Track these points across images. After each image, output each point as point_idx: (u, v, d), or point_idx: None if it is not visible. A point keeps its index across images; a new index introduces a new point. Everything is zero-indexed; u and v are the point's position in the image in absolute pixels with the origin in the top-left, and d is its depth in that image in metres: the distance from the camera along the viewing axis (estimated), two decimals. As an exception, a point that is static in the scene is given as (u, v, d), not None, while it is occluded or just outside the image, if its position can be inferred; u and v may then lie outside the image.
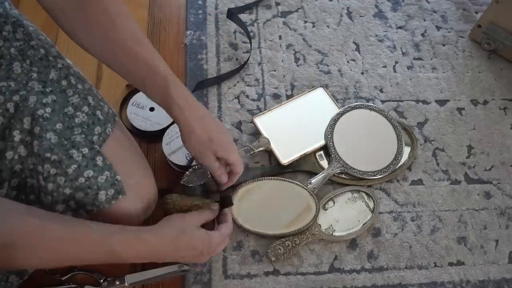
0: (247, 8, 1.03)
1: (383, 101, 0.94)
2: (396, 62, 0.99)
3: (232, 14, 0.98)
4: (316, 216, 0.77)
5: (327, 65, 0.97)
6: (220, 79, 0.93)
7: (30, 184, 0.62)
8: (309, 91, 0.92)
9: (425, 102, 0.95)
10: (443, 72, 0.99)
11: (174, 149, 0.81)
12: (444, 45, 1.03)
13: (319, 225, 0.78)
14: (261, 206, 0.78)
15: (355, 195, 0.82)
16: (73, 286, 0.71)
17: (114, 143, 0.67)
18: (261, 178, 0.80)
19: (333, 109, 0.90)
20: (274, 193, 0.79)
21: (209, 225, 0.68)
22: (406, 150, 0.87)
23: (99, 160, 0.62)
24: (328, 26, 1.03)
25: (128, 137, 0.73)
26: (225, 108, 0.90)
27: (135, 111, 0.86)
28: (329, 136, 0.86)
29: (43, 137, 0.60)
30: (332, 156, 0.84)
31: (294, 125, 0.87)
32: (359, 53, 1.00)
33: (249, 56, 0.95)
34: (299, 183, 0.80)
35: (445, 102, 0.95)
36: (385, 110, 0.90)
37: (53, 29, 0.93)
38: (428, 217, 0.83)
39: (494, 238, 0.82)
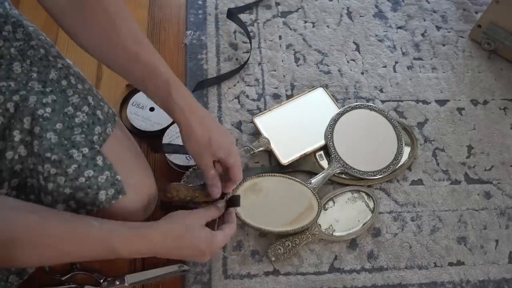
0: (247, 8, 1.03)
1: (383, 101, 0.94)
2: (396, 62, 1.00)
3: (232, 14, 0.98)
4: (318, 215, 0.77)
5: (327, 65, 0.97)
6: (220, 79, 0.93)
7: (30, 184, 0.62)
8: (309, 91, 0.92)
9: (425, 102, 0.95)
10: (443, 72, 0.99)
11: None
12: (444, 45, 1.03)
13: (319, 225, 0.78)
14: (263, 202, 0.78)
15: (355, 195, 0.82)
16: (73, 286, 0.71)
17: (114, 143, 0.67)
18: (265, 174, 0.80)
19: (333, 109, 0.90)
20: (277, 190, 0.79)
21: (211, 222, 0.68)
22: (406, 150, 0.87)
23: (99, 160, 0.62)
24: (328, 26, 1.03)
25: (128, 137, 0.73)
26: (225, 108, 0.90)
27: (135, 111, 0.86)
28: (329, 136, 0.86)
29: (43, 137, 0.60)
30: (332, 156, 0.84)
31: (294, 125, 0.87)
32: (359, 53, 1.00)
33: (249, 56, 0.95)
34: (302, 181, 0.80)
35: (445, 102, 0.95)
36: (385, 110, 0.90)
37: (53, 29, 0.93)
38: (428, 217, 0.83)
39: (494, 238, 0.82)
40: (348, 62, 0.98)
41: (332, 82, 0.95)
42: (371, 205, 0.82)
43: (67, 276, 0.71)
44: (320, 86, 0.92)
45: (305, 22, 1.03)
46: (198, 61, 0.95)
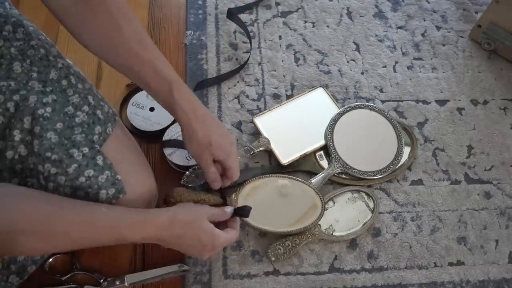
0: (247, 8, 1.03)
1: (383, 101, 0.94)
2: (396, 62, 1.00)
3: (232, 14, 0.98)
4: (322, 214, 0.77)
5: (327, 65, 0.97)
6: (220, 79, 0.93)
7: (30, 183, 0.62)
8: (309, 91, 0.92)
9: (425, 102, 0.95)
10: (443, 72, 0.99)
11: (174, 149, 0.81)
12: (444, 45, 1.03)
13: (319, 225, 0.78)
14: (267, 203, 0.78)
15: (355, 195, 0.82)
16: (73, 286, 0.71)
17: (115, 143, 0.67)
18: (267, 176, 0.80)
19: (333, 109, 0.90)
20: (280, 190, 0.79)
21: (215, 224, 0.68)
22: (406, 150, 0.87)
23: (99, 160, 0.63)
24: (328, 26, 1.03)
25: (129, 137, 0.73)
26: (225, 108, 0.90)
27: (135, 111, 0.86)
28: (329, 136, 0.86)
29: (44, 137, 0.60)
30: (332, 156, 0.84)
31: (294, 125, 0.87)
32: (359, 53, 1.00)
33: (249, 56, 0.95)
34: (305, 181, 0.80)
35: (445, 102, 0.95)
36: (385, 110, 0.90)
37: (53, 29, 0.93)
38: (428, 217, 0.83)
39: (494, 238, 0.82)
40: (348, 62, 0.98)
41: (332, 82, 0.95)
42: (371, 205, 0.82)
43: (67, 276, 0.70)
44: (320, 86, 0.92)
45: (305, 22, 1.03)
46: (198, 61, 0.95)
